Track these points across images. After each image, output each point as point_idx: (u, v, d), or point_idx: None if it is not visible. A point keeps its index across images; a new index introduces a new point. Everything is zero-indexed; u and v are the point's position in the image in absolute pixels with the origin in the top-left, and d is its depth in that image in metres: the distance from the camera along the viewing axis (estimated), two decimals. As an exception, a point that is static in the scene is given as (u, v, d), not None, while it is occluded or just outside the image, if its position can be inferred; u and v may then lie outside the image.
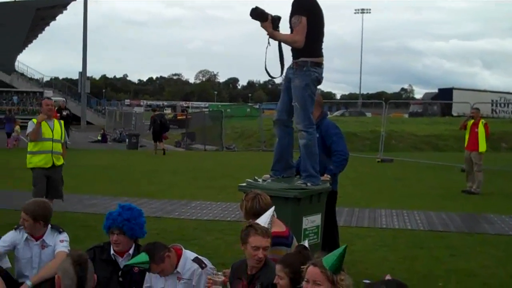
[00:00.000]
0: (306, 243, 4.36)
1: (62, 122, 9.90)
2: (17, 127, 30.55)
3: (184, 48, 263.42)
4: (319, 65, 5.95)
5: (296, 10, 5.78)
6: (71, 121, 32.24)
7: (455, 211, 11.90)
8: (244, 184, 6.15)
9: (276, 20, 5.86)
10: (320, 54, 5.98)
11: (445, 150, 32.73)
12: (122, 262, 5.09)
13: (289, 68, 6.08)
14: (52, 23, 75.21)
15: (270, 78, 6.07)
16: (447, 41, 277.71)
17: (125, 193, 13.48)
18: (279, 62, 6.04)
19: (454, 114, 58.67)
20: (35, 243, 5.42)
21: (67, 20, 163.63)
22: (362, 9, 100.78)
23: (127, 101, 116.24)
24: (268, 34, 5.86)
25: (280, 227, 4.95)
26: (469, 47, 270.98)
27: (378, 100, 70.80)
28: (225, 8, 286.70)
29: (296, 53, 5.91)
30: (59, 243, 5.39)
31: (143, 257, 4.62)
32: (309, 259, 3.71)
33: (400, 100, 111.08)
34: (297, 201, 5.66)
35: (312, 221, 5.93)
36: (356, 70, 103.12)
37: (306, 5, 5.84)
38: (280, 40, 5.89)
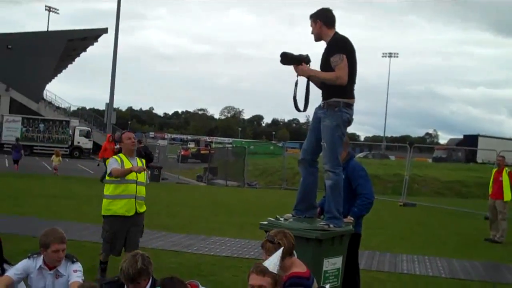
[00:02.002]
0: (327, 287, 4.26)
1: (144, 161, 8.23)
2: (59, 158, 30.65)
3: (211, 84, 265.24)
4: (351, 106, 5.93)
5: (336, 49, 5.79)
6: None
7: (478, 259, 11.67)
8: (266, 222, 6.08)
9: (308, 59, 5.89)
10: (352, 96, 5.97)
11: (468, 197, 32.34)
12: None
13: (318, 108, 6.06)
14: (82, 54, 76.51)
15: (296, 110, 6.03)
16: (475, 88, 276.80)
17: (145, 226, 13.42)
18: (303, 99, 6.04)
19: (479, 161, 58.18)
20: (49, 272, 5.38)
21: (96, 51, 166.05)
22: (390, 53, 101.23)
23: (152, 134, 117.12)
24: (306, 75, 5.90)
25: (301, 268, 4.86)
26: (496, 95, 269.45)
27: (402, 144, 70.44)
28: (254, 45, 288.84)
29: (328, 93, 5.90)
30: (73, 273, 5.34)
31: None
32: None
33: (424, 144, 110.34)
34: (319, 242, 5.58)
35: (333, 263, 5.83)
36: (381, 112, 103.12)
37: (346, 46, 5.87)
38: (321, 78, 5.87)
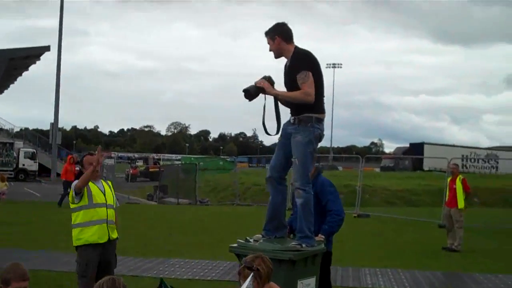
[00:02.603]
0: None
1: (110, 182, 7.71)
2: (6, 182, 29.06)
3: (156, 100, 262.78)
4: (321, 121, 5.83)
5: (301, 66, 5.65)
6: None
7: (439, 270, 11.68)
8: (236, 245, 5.85)
9: (272, 80, 5.77)
10: (323, 110, 5.86)
11: (418, 205, 32.75)
12: None
13: (287, 124, 5.90)
14: (25, 73, 74.76)
15: (266, 134, 5.91)
16: (417, 96, 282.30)
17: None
18: (275, 120, 5.90)
19: (426, 168, 59.19)
20: None
21: (39, 70, 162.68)
22: (334, 64, 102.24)
23: (76, 155, 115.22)
24: (275, 97, 5.78)
25: None
26: (437, 102, 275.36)
27: (349, 154, 71.06)
28: (199, 60, 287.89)
29: (298, 108, 5.75)
30: None
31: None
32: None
33: (373, 154, 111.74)
34: (292, 263, 5.39)
35: (307, 284, 5.65)
36: (326, 123, 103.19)
37: (310, 61, 5.75)
38: (290, 98, 5.72)
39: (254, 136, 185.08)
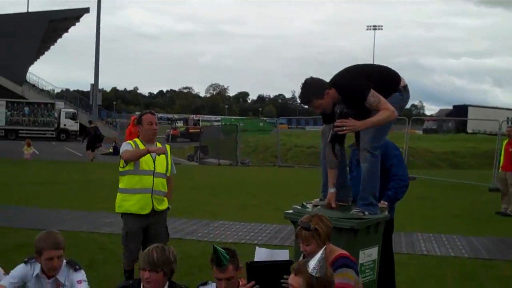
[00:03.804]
0: None
1: (168, 146, 6.74)
2: (31, 147, 29.02)
3: (195, 62, 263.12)
4: (406, 87, 5.36)
5: (361, 93, 4.99)
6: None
7: (495, 235, 11.11)
8: (291, 211, 5.40)
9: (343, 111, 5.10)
10: (399, 77, 5.36)
11: (463, 168, 32.04)
12: None
13: None
14: (64, 35, 75.17)
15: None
16: (458, 58, 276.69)
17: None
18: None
19: (469, 131, 58.00)
20: (48, 281, 4.64)
21: (78, 32, 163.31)
22: (374, 26, 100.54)
23: (138, 114, 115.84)
24: (363, 127, 5.06)
25: (344, 252, 4.28)
26: (480, 64, 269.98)
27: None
28: (236, 23, 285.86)
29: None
30: (77, 284, 4.61)
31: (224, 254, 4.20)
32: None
33: (420, 116, 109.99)
34: (354, 232, 4.92)
35: (369, 255, 5.18)
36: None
37: (357, 80, 5.11)
38: (381, 122, 5.06)
39: (293, 98, 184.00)
